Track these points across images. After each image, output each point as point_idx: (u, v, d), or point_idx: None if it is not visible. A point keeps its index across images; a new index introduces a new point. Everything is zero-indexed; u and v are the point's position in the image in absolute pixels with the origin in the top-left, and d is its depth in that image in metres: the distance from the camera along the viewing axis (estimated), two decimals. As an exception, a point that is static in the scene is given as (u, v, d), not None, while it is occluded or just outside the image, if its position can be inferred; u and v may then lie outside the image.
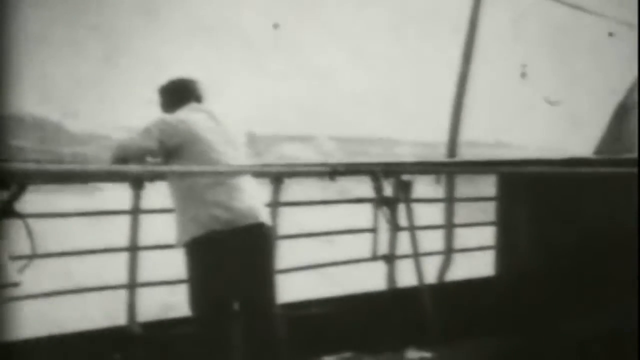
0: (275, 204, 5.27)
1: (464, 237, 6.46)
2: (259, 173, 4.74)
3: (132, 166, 4.21)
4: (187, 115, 4.50)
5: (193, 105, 4.59)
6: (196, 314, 4.46)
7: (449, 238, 6.62)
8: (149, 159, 4.39)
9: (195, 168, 4.32)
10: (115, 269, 5.00)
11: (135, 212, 4.92)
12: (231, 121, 4.61)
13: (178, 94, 4.64)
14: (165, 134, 4.35)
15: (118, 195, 4.99)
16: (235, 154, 4.51)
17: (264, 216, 4.52)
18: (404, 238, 5.65)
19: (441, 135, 6.79)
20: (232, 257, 4.38)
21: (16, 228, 3.55)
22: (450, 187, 6.59)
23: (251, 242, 4.44)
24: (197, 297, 4.44)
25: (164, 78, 4.73)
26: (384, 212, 5.07)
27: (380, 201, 4.97)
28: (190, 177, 4.38)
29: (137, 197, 4.89)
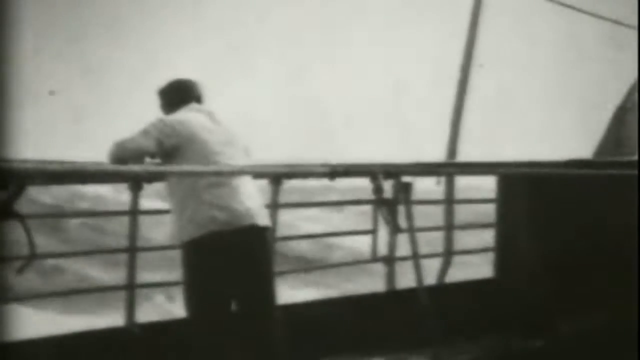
0: (274, 205, 5.25)
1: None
2: (258, 173, 4.73)
3: (132, 166, 4.20)
4: (186, 115, 4.50)
5: (193, 106, 4.59)
6: (192, 315, 4.45)
7: (448, 240, 6.62)
8: (148, 159, 4.38)
9: (193, 168, 4.30)
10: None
11: (134, 213, 4.91)
12: (231, 122, 4.62)
13: (178, 95, 4.64)
14: (164, 134, 4.35)
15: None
16: (234, 155, 4.50)
17: (263, 218, 4.51)
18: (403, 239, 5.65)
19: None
20: (229, 258, 4.37)
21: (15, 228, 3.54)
22: (449, 189, 6.59)
23: (249, 244, 4.43)
24: (194, 297, 4.43)
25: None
26: (384, 213, 5.05)
27: (380, 202, 4.95)
28: (188, 177, 4.36)
29: (135, 198, 4.89)
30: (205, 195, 4.34)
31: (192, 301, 4.44)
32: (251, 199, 4.47)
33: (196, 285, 4.42)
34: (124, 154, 4.28)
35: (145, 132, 4.35)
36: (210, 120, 4.51)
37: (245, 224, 4.38)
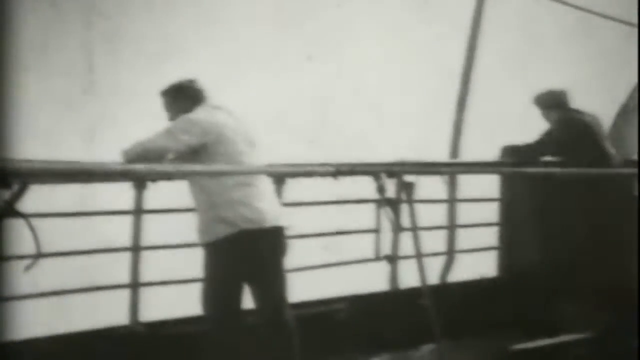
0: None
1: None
2: (261, 173, 4.73)
3: (137, 165, 4.17)
4: (210, 113, 4.45)
5: (209, 103, 4.56)
6: (211, 313, 4.44)
7: (451, 238, 6.61)
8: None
9: (199, 167, 4.29)
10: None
11: (138, 212, 4.92)
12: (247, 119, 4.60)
13: (191, 93, 4.58)
14: (191, 133, 4.29)
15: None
16: (254, 154, 4.50)
17: (283, 218, 4.52)
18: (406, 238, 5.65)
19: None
20: (254, 257, 4.38)
21: (20, 228, 3.54)
22: (452, 188, 6.59)
23: (274, 243, 4.45)
24: (215, 295, 4.42)
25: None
26: (387, 212, 5.05)
27: (383, 202, 4.96)
28: (196, 177, 4.35)
29: (139, 197, 4.89)
30: (235, 194, 4.32)
31: (211, 298, 4.43)
32: (273, 199, 4.51)
33: (219, 282, 4.41)
34: (146, 154, 4.22)
35: (168, 132, 4.29)
36: (231, 118, 4.49)
37: (272, 224, 4.41)
